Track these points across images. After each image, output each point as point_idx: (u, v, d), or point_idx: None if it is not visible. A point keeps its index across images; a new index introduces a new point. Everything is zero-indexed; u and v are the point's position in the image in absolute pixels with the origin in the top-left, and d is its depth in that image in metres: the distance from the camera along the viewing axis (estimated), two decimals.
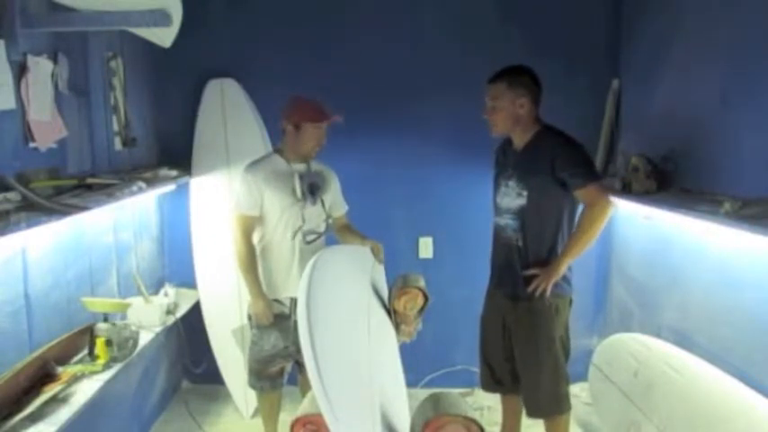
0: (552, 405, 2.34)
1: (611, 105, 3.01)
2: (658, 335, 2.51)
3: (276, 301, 2.46)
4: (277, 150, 2.51)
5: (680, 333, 2.41)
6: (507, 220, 2.35)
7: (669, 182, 2.41)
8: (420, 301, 2.17)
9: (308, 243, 2.43)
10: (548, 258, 2.29)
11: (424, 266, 3.08)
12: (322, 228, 2.51)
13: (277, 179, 2.41)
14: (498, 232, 2.41)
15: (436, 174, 3.21)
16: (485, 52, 2.94)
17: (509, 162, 2.37)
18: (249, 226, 2.41)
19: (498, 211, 2.41)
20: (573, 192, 2.24)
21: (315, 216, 2.47)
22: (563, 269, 2.27)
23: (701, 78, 2.30)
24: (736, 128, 2.07)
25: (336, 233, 2.62)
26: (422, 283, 2.21)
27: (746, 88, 2.02)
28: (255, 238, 2.46)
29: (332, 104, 3.13)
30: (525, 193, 2.27)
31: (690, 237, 2.35)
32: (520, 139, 2.34)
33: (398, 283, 2.20)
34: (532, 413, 2.39)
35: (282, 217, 2.41)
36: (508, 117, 2.28)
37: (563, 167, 2.21)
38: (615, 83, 3.00)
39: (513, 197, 2.31)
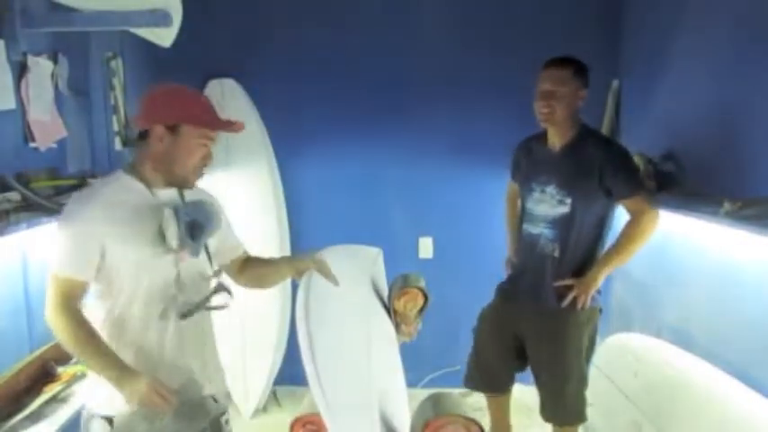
0: (574, 414, 2.28)
1: (611, 105, 3.01)
2: (658, 335, 2.50)
3: (107, 419, 1.49)
4: (129, 170, 1.55)
5: (680, 333, 2.41)
6: (542, 229, 2.21)
7: (669, 182, 2.40)
8: (420, 301, 2.17)
9: (185, 317, 1.53)
10: (583, 270, 2.18)
11: (424, 266, 3.08)
12: (208, 288, 1.61)
13: (132, 217, 1.48)
14: (530, 241, 2.25)
15: (436, 174, 3.21)
16: (484, 52, 2.95)
17: (543, 165, 2.22)
18: (73, 294, 1.45)
19: (531, 218, 2.25)
20: (619, 201, 2.12)
21: (198, 273, 1.59)
22: (601, 280, 2.16)
23: (701, 78, 2.30)
24: (736, 128, 2.07)
25: (240, 276, 1.77)
26: (422, 283, 2.20)
27: (746, 88, 2.02)
28: (99, 311, 1.50)
29: (332, 104, 3.16)
30: (569, 200, 2.13)
31: (690, 237, 2.35)
32: (559, 138, 2.17)
33: (398, 282, 2.19)
34: (550, 419, 2.32)
35: (143, 280, 1.49)
36: (567, 107, 2.10)
37: (613, 175, 2.09)
38: (615, 83, 3.00)
39: (554, 204, 2.17)
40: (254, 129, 3.08)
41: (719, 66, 2.18)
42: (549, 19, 3.06)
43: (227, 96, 3.07)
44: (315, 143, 3.20)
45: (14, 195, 1.72)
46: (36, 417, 1.69)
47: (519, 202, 2.40)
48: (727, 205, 1.81)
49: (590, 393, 2.78)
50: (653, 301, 2.70)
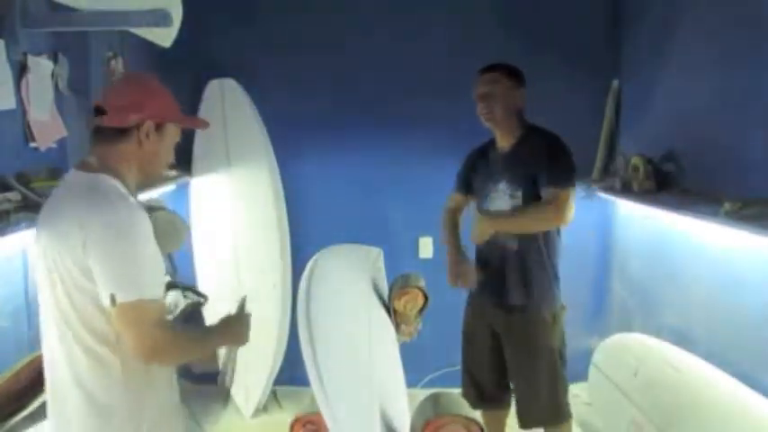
0: (548, 415, 2.29)
1: (611, 105, 3.01)
2: (658, 335, 2.51)
3: None
4: (103, 170, 1.36)
5: (680, 333, 2.41)
6: None
7: (669, 182, 2.41)
8: (420, 301, 2.17)
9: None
10: (543, 261, 2.23)
11: (424, 266, 3.07)
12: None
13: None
14: (489, 240, 2.29)
15: (436, 173, 3.19)
16: (485, 52, 2.93)
17: (496, 166, 2.29)
18: (165, 316, 1.41)
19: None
20: (542, 188, 2.15)
21: None
22: (496, 227, 2.22)
23: (701, 78, 2.30)
24: (737, 128, 2.07)
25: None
26: (422, 283, 2.20)
27: (747, 88, 2.02)
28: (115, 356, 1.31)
29: (332, 104, 3.16)
30: (519, 193, 2.20)
31: (690, 237, 2.35)
32: (507, 140, 2.27)
33: (398, 282, 2.19)
34: (527, 424, 2.32)
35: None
36: (504, 105, 2.21)
37: (545, 165, 2.14)
38: (615, 83, 3.00)
39: (506, 200, 2.23)
40: (254, 129, 3.08)
41: (719, 66, 2.18)
42: (549, 19, 3.06)
43: (227, 96, 3.07)
44: (315, 143, 3.20)
45: (14, 195, 1.71)
46: (36, 416, 1.68)
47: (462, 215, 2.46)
48: (727, 205, 1.81)
49: (590, 393, 2.79)
50: (653, 301, 2.70)
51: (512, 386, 2.42)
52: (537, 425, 2.33)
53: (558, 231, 2.27)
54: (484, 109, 2.24)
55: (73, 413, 1.34)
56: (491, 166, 2.32)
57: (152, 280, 1.30)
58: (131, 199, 1.35)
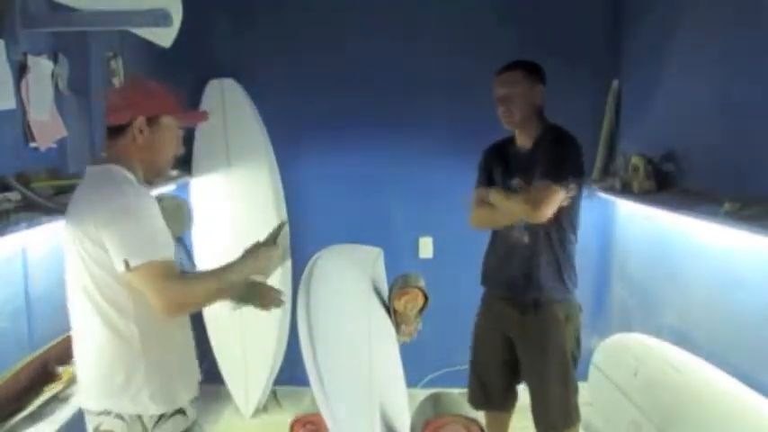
0: (562, 419, 2.28)
1: (611, 105, 3.01)
2: (658, 335, 2.50)
3: (179, 412, 1.52)
4: (117, 162, 1.51)
5: (680, 333, 2.41)
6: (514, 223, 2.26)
7: (669, 182, 2.41)
8: (420, 301, 2.17)
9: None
10: (560, 253, 2.22)
11: (424, 266, 3.08)
12: None
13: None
14: (502, 236, 2.30)
15: (436, 173, 3.21)
16: (485, 52, 2.94)
17: (513, 164, 2.28)
18: (176, 269, 1.46)
19: None
20: (535, 179, 2.11)
21: None
22: (492, 196, 2.20)
23: (701, 78, 2.30)
24: (737, 127, 2.07)
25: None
26: (422, 283, 2.20)
27: (747, 87, 2.02)
28: (143, 320, 1.46)
29: (332, 104, 3.16)
30: None
31: (690, 237, 2.35)
32: (527, 138, 2.24)
33: (399, 282, 2.19)
34: (542, 428, 2.31)
35: None
36: (526, 104, 2.19)
37: (551, 160, 2.11)
38: (615, 83, 3.00)
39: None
40: (254, 129, 3.08)
41: (719, 65, 2.18)
42: (549, 19, 3.07)
43: (227, 96, 3.07)
44: (315, 143, 3.21)
45: (14, 195, 1.71)
46: (36, 417, 1.69)
47: None
48: (727, 205, 1.80)
49: (590, 393, 2.79)
50: (653, 301, 2.70)
51: (525, 388, 2.39)
52: (552, 429, 2.31)
53: (575, 230, 2.26)
54: (504, 111, 2.22)
55: (96, 381, 1.49)
56: (508, 164, 2.31)
57: (160, 246, 1.41)
58: (138, 184, 1.49)
